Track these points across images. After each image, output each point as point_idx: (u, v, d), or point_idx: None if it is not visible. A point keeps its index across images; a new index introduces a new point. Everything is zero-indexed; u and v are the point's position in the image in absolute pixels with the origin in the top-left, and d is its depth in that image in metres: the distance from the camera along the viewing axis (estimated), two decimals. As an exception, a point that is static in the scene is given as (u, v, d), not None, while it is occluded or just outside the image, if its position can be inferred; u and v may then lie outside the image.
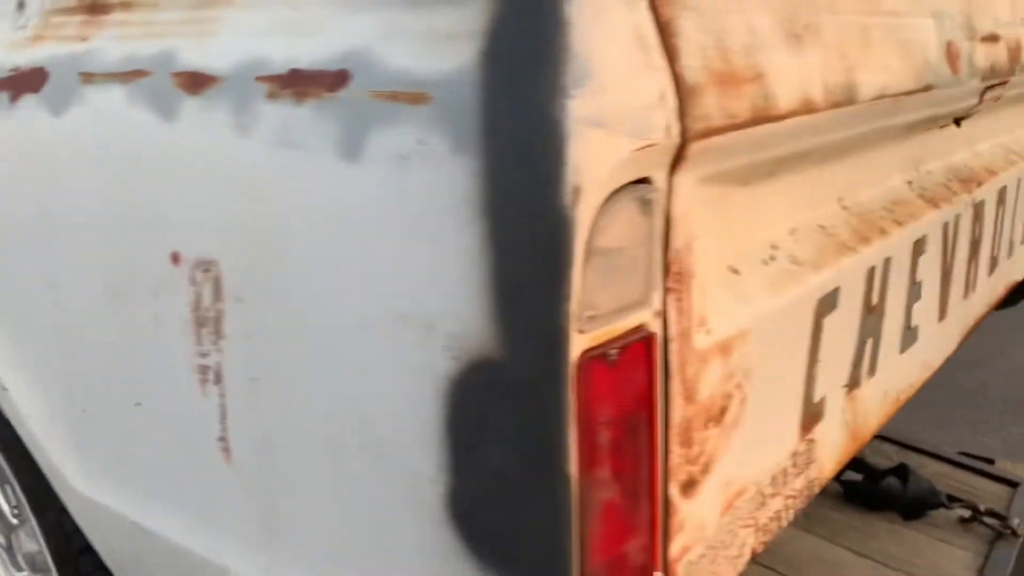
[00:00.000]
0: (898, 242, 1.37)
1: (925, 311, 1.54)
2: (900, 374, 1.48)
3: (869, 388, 1.37)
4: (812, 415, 1.19)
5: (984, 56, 1.57)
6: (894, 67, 1.19)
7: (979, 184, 1.74)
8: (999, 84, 1.67)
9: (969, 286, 1.77)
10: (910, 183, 1.55)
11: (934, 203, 1.53)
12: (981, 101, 1.61)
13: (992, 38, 1.63)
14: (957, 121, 1.75)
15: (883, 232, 1.33)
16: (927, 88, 1.30)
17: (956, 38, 1.44)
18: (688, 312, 0.84)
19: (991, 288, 1.95)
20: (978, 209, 1.73)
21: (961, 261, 1.68)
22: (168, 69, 0.99)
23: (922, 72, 1.28)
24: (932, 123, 1.57)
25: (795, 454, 1.15)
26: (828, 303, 1.16)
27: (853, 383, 1.31)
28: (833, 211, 1.28)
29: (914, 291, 1.47)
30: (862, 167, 1.38)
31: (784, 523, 1.14)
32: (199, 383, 1.01)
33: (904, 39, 1.24)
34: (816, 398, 1.19)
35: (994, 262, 1.94)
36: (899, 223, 1.39)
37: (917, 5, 1.32)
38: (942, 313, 1.63)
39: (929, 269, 1.52)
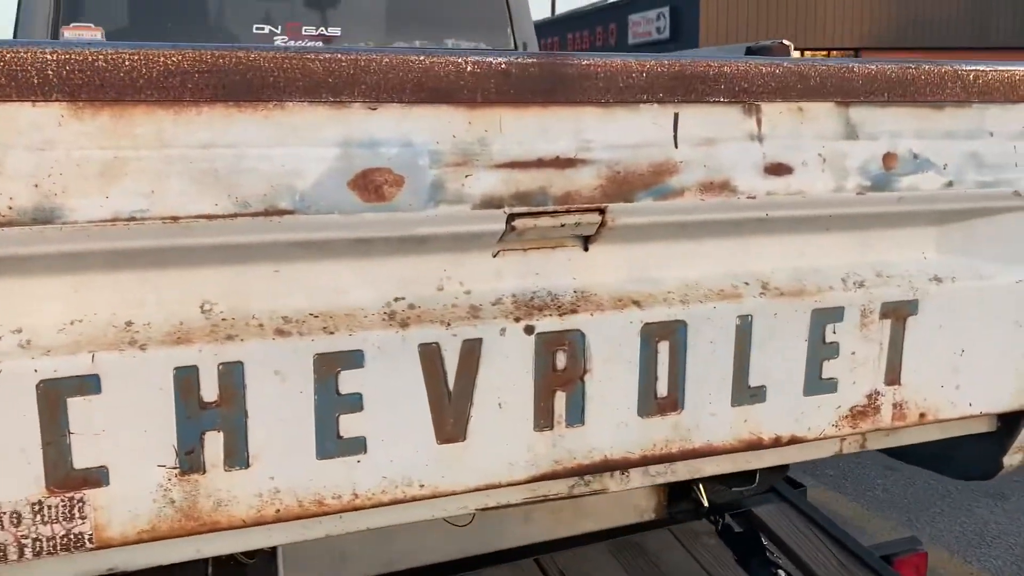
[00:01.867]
0: (273, 350, 1.47)
1: (386, 427, 1.57)
2: (325, 479, 1.55)
3: (232, 479, 1.50)
4: (75, 478, 1.41)
5: (504, 182, 1.54)
6: (176, 193, 1.35)
7: (568, 312, 1.65)
8: (575, 211, 1.59)
9: (547, 420, 1.67)
10: (396, 299, 1.59)
11: (404, 324, 1.56)
12: (511, 228, 1.56)
13: (547, 163, 1.57)
14: (585, 245, 1.70)
15: (232, 338, 1.46)
16: (276, 213, 1.40)
17: (397, 166, 1.47)
18: None
19: (641, 433, 1.76)
20: (555, 339, 1.64)
21: (499, 389, 1.63)
22: None
23: (264, 198, 1.39)
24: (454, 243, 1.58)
25: (40, 504, 1.40)
26: (75, 387, 1.38)
27: (188, 467, 1.47)
28: (172, 312, 1.46)
29: (336, 402, 1.53)
30: (263, 278, 1.52)
31: (11, 559, 1.39)
32: None
33: (227, 168, 1.38)
34: (79, 464, 1.41)
35: (660, 406, 1.75)
36: (283, 333, 1.49)
37: (297, 137, 1.43)
38: (446, 436, 1.61)
39: (387, 385, 1.55)
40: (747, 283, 1.82)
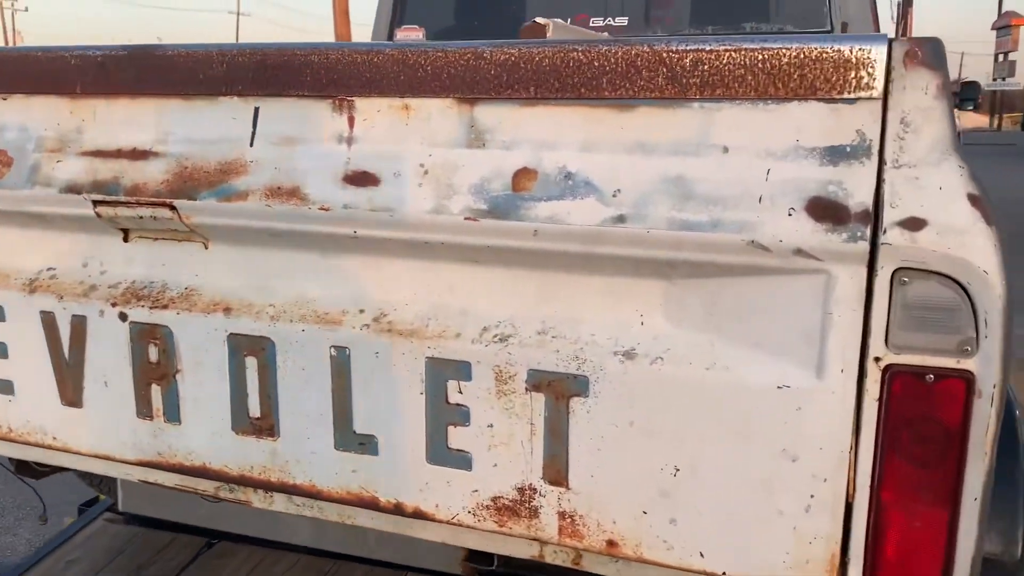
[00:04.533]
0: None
1: (25, 377, 1.80)
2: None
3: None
4: None
5: (85, 170, 1.64)
6: None
7: (160, 307, 1.66)
8: (146, 204, 1.60)
9: (148, 410, 1.69)
10: (48, 269, 1.79)
11: (32, 290, 1.76)
12: (99, 215, 1.63)
13: (125, 154, 1.61)
14: (205, 243, 1.70)
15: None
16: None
17: (11, 149, 1.68)
18: None
19: (236, 449, 1.63)
20: (148, 331, 1.66)
21: (103, 368, 1.71)
22: None
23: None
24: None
25: None
26: None
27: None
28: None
29: (-6, 347, 1.81)
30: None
31: None
32: None
33: None
34: None
35: (255, 427, 1.62)
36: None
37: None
38: (68, 399, 1.76)
39: (22, 341, 1.78)
40: (362, 310, 1.53)
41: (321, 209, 1.46)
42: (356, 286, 1.56)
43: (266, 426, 1.61)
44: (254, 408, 1.61)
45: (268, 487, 1.65)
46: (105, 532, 3.35)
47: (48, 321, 1.75)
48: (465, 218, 1.37)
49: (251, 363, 1.60)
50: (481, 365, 1.43)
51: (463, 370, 1.45)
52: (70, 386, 1.76)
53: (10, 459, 2.44)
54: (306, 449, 1.60)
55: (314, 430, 1.58)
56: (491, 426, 1.45)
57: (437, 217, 1.39)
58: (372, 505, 1.58)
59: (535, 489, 1.45)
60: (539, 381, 1.40)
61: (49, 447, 1.83)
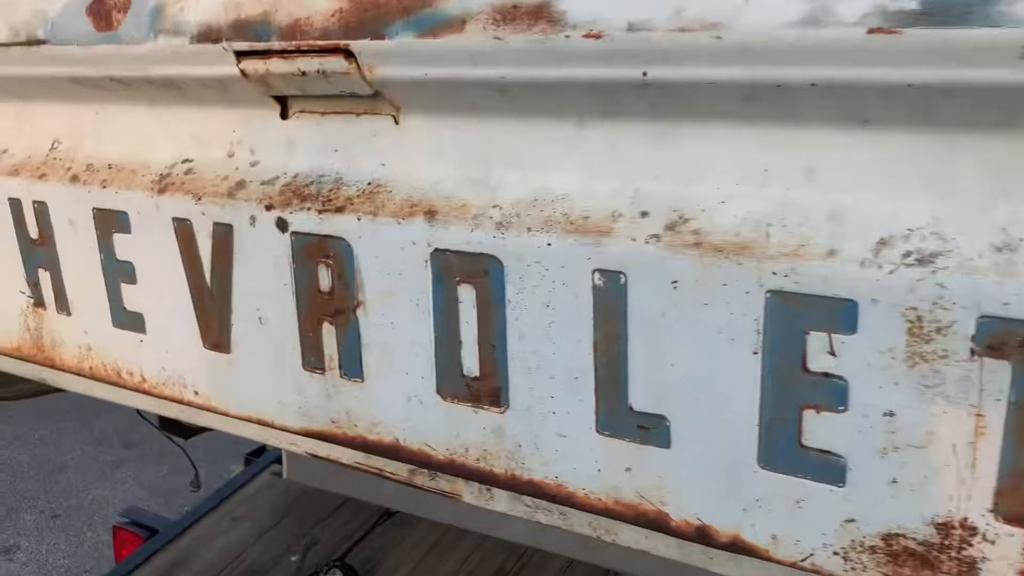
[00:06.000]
0: (65, 195, 1.37)
1: (159, 310, 1.33)
2: (119, 351, 1.41)
3: (62, 322, 1.47)
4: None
5: (223, 6, 1.11)
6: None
7: (332, 210, 1.12)
8: (309, 51, 1.05)
9: (318, 359, 1.18)
10: (184, 161, 1.30)
11: (163, 190, 1.27)
12: (245, 74, 1.10)
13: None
14: (395, 115, 1.15)
15: (42, 177, 1.39)
16: (35, 42, 1.27)
17: (127, -16, 1.18)
18: None
19: (444, 422, 1.09)
20: (316, 246, 1.13)
21: (257, 297, 1.20)
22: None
23: (27, 25, 1.28)
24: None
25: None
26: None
27: (36, 301, 1.50)
28: (32, 145, 1.46)
29: (115, 266, 1.35)
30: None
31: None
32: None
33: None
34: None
35: (472, 391, 1.07)
36: (76, 180, 1.36)
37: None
38: (212, 341, 1.28)
39: (151, 260, 1.30)
40: (645, 212, 0.92)
41: (589, 36, 0.85)
42: (636, 172, 0.95)
43: (488, 390, 1.05)
44: (471, 363, 1.05)
45: (490, 480, 1.10)
46: (272, 488, 2.97)
47: (183, 232, 1.25)
48: (869, 30, 0.73)
49: (467, 294, 1.03)
50: (878, 306, 0.80)
51: (841, 314, 0.82)
52: (214, 323, 1.26)
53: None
54: (551, 429, 1.02)
55: (564, 401, 1.00)
56: (890, 415, 0.82)
57: (807, 33, 0.75)
58: (656, 524, 0.99)
59: (975, 531, 0.81)
60: (1000, 337, 0.75)
61: (190, 404, 1.35)
